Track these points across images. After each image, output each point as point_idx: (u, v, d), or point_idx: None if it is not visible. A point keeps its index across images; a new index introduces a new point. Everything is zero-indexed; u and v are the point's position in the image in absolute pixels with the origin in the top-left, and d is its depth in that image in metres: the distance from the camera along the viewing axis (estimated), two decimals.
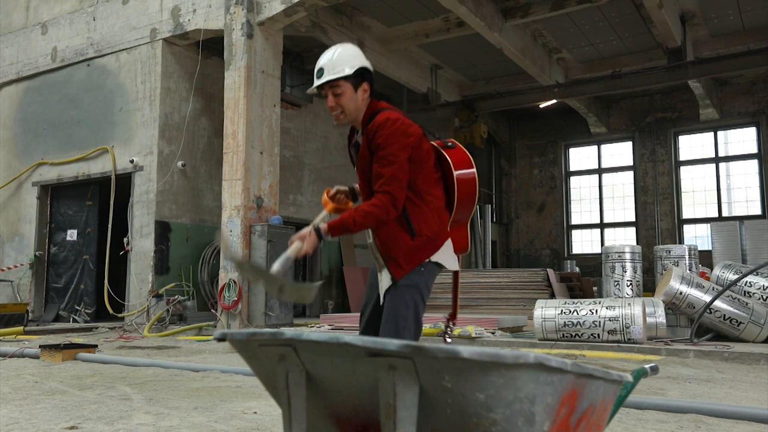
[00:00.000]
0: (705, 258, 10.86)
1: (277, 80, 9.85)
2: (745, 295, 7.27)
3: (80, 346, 6.32)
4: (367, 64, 2.55)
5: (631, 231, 17.36)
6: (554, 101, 14.99)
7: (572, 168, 18.51)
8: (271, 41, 9.65)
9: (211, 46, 10.47)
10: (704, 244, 15.03)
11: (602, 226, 17.92)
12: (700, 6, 12.16)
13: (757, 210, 15.81)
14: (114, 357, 5.99)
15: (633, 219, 17.32)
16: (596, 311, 6.56)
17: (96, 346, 6.53)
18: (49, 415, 3.48)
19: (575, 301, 6.91)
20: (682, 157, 16.90)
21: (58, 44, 11.69)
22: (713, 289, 7.00)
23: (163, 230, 10.09)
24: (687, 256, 8.07)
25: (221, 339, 1.55)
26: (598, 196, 18.04)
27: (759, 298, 7.21)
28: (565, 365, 1.30)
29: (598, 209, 17.99)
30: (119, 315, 10.13)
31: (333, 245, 13.65)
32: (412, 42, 12.89)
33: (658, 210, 16.72)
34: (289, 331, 1.43)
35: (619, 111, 17.50)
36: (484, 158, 17.95)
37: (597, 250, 16.90)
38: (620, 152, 17.78)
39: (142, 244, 10.11)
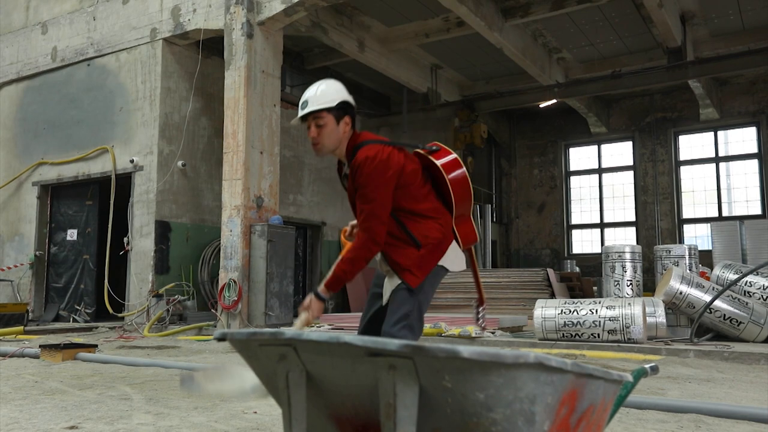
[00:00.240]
0: (705, 258, 10.87)
1: (277, 80, 9.85)
2: (745, 294, 7.27)
3: (80, 345, 6.33)
4: (349, 98, 2.66)
5: (631, 231, 17.34)
6: (554, 101, 14.98)
7: (572, 168, 18.49)
8: (271, 41, 9.65)
9: (211, 45, 10.47)
10: (704, 244, 15.03)
11: (602, 225, 17.90)
12: (700, 6, 12.15)
13: (757, 210, 15.79)
14: (114, 357, 5.99)
15: (633, 219, 17.30)
16: (596, 311, 6.56)
17: (96, 345, 6.54)
18: (49, 414, 3.48)
19: (575, 301, 6.91)
20: (682, 156, 16.88)
21: (58, 44, 11.68)
22: (713, 288, 7.00)
23: (163, 230, 10.09)
24: (687, 256, 8.09)
25: (221, 339, 1.55)
26: (598, 196, 18.01)
27: (759, 298, 7.21)
28: (565, 365, 1.30)
29: (598, 209, 17.96)
30: (119, 315, 10.13)
31: (333, 245, 13.65)
32: (412, 42, 12.88)
33: (658, 210, 16.70)
34: (289, 331, 1.43)
35: (619, 111, 17.49)
36: (484, 158, 17.91)
37: (597, 250, 16.88)
38: (620, 152, 17.76)
39: (142, 244, 10.11)
